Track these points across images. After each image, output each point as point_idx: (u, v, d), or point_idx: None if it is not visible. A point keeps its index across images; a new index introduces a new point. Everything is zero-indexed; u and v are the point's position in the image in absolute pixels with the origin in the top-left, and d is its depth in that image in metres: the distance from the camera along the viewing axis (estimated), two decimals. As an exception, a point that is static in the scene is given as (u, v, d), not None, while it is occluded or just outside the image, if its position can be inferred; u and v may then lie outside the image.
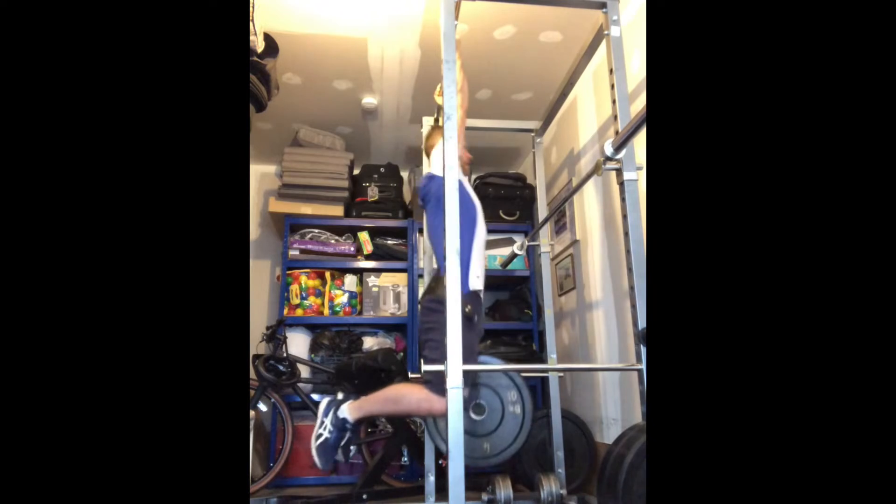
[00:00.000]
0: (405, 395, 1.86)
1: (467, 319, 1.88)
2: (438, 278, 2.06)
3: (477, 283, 1.91)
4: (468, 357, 1.85)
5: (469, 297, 1.88)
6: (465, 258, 1.90)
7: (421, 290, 2.87)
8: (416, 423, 2.69)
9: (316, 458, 1.88)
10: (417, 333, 2.22)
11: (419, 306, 2.09)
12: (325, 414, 1.92)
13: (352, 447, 2.78)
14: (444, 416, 1.57)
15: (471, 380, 1.98)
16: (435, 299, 1.92)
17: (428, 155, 2.31)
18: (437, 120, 2.47)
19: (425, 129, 2.52)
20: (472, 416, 2.00)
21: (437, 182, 1.96)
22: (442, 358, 1.47)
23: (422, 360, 1.61)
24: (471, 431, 2.00)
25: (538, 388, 3.11)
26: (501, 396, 2.04)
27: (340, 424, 1.90)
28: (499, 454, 2.01)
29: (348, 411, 1.90)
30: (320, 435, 1.89)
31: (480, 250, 1.97)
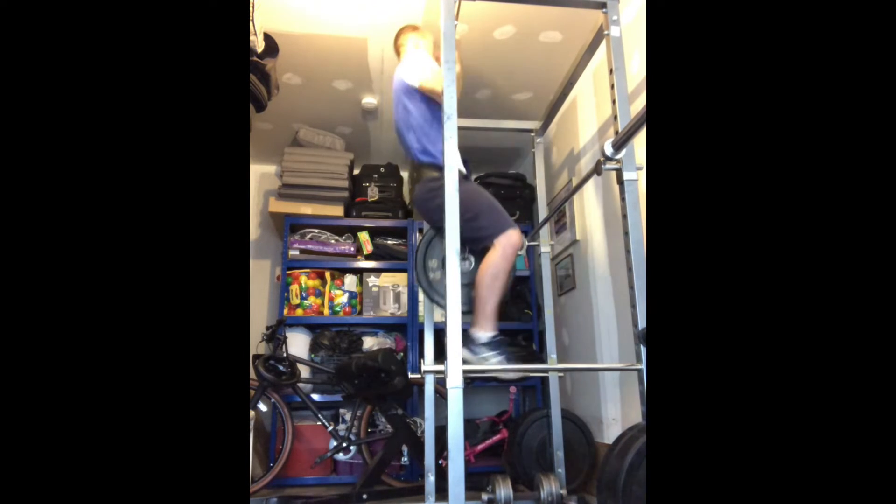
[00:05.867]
0: (493, 266, 1.83)
1: (464, 177, 1.92)
2: (417, 166, 2.10)
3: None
4: (498, 210, 1.90)
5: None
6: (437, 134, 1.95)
7: (421, 290, 2.86)
8: (416, 423, 2.69)
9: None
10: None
11: (418, 195, 2.08)
12: (474, 354, 1.80)
13: (352, 448, 2.75)
14: (518, 247, 1.81)
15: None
16: (428, 180, 1.97)
17: (398, 53, 2.26)
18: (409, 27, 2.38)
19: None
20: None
21: (402, 82, 2.04)
22: (493, 222, 1.69)
23: (422, 361, 1.61)
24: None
25: (538, 388, 3.11)
26: None
27: (493, 344, 1.81)
28: None
29: (482, 332, 1.82)
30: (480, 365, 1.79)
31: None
